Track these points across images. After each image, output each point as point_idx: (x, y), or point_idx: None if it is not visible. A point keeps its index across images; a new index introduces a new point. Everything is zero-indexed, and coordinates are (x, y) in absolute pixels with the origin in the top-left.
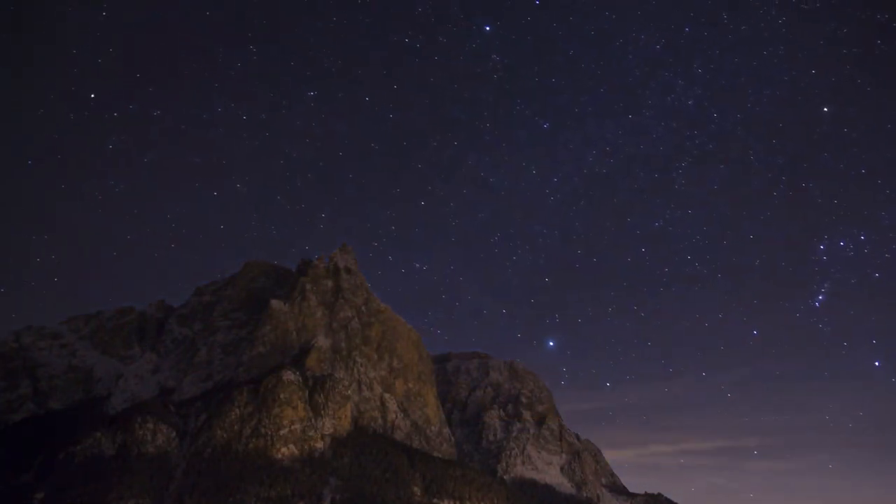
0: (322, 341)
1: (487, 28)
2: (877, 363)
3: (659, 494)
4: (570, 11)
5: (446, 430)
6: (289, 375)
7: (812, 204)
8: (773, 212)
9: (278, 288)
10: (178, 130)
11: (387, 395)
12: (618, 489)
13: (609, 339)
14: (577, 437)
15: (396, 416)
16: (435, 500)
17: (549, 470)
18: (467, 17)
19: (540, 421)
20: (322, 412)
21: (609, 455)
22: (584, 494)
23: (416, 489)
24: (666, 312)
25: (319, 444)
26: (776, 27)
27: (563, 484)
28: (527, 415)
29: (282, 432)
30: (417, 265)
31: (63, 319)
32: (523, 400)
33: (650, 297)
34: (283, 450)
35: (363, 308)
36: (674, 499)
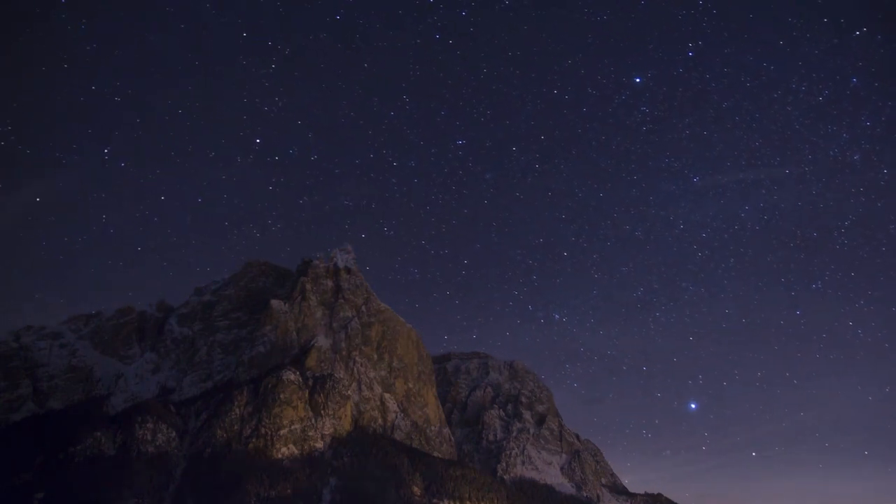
0: (322, 341)
1: (637, 80)
2: None
3: (659, 494)
4: (726, 63)
5: (446, 430)
6: (289, 375)
7: None
8: None
9: (278, 288)
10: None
11: (387, 395)
12: (618, 489)
13: (757, 405)
14: (577, 437)
15: (396, 416)
16: (435, 500)
17: (549, 470)
18: (617, 70)
19: (540, 421)
20: (322, 412)
21: None
22: (584, 494)
23: (416, 489)
24: (823, 383)
25: (319, 444)
26: None
27: (563, 484)
28: (527, 415)
29: (282, 432)
30: (557, 316)
31: (63, 319)
32: (523, 400)
33: (805, 364)
34: (283, 450)
35: (363, 308)
36: None
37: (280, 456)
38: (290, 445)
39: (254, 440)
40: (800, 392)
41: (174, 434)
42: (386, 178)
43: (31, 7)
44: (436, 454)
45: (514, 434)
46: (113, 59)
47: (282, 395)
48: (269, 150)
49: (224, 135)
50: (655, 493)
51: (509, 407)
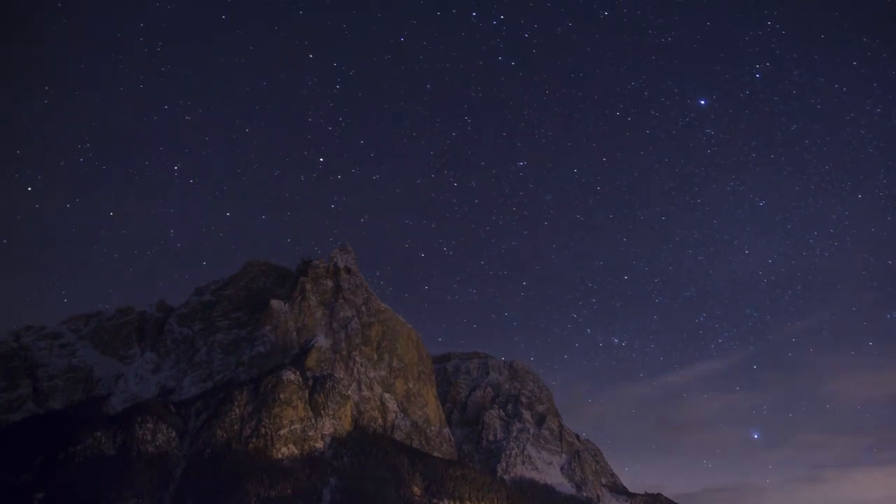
0: (322, 341)
1: (702, 102)
2: None
3: (658, 494)
4: (794, 85)
5: (446, 430)
6: (289, 375)
7: None
8: None
9: (278, 288)
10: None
11: (387, 395)
12: (618, 489)
13: None
14: (577, 437)
15: (396, 416)
16: (435, 500)
17: (549, 470)
18: (682, 91)
19: (540, 421)
20: (322, 412)
21: None
22: (584, 494)
23: (416, 489)
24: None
25: (319, 444)
26: None
27: (563, 484)
28: (527, 415)
29: (282, 432)
30: (616, 340)
31: (63, 319)
32: (523, 400)
33: None
34: (283, 450)
35: (363, 308)
36: None
37: (280, 456)
38: (290, 445)
39: (254, 440)
40: None
41: (174, 434)
42: (447, 198)
43: (113, 33)
44: (436, 454)
45: (514, 434)
46: (185, 81)
47: (282, 395)
48: (331, 169)
49: (289, 153)
50: (655, 493)
51: (509, 407)
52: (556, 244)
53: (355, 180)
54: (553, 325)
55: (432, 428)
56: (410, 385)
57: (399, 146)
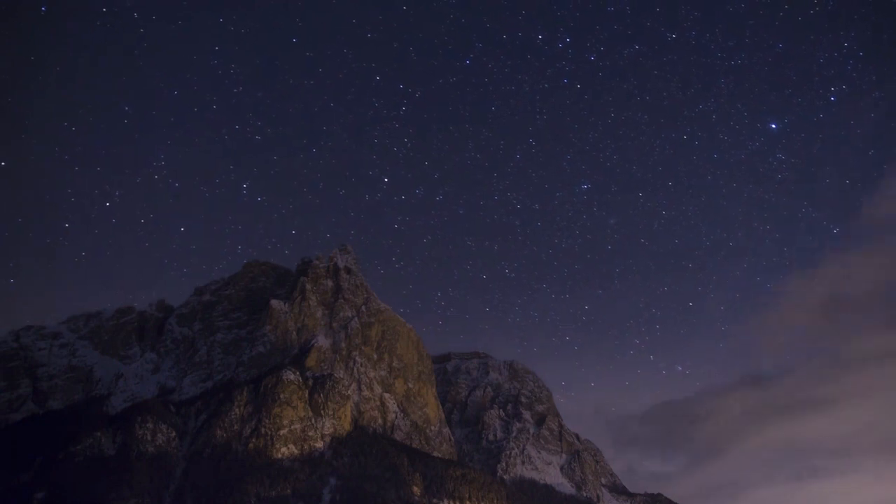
0: (322, 341)
1: (773, 126)
2: None
3: (659, 494)
4: (872, 108)
5: (446, 430)
6: (289, 375)
7: None
8: None
9: (278, 288)
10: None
11: (387, 395)
12: (618, 489)
13: None
14: (577, 437)
15: (396, 416)
16: (435, 500)
17: (549, 470)
18: (751, 115)
19: (540, 421)
20: (322, 412)
21: None
22: (584, 494)
23: (416, 489)
24: None
25: (319, 444)
26: None
27: (563, 484)
28: (527, 415)
29: (282, 432)
30: (679, 368)
31: (63, 319)
32: (523, 400)
33: None
34: (283, 450)
35: (363, 308)
36: None
37: (280, 456)
38: (290, 445)
39: (254, 440)
40: None
41: (174, 434)
42: (510, 220)
43: (190, 55)
44: (436, 454)
45: (514, 434)
46: (255, 101)
47: (282, 395)
48: (396, 190)
49: (354, 174)
50: (655, 493)
51: (509, 407)
52: (620, 269)
53: (419, 201)
54: (614, 351)
55: (432, 428)
56: (410, 385)
57: (463, 168)
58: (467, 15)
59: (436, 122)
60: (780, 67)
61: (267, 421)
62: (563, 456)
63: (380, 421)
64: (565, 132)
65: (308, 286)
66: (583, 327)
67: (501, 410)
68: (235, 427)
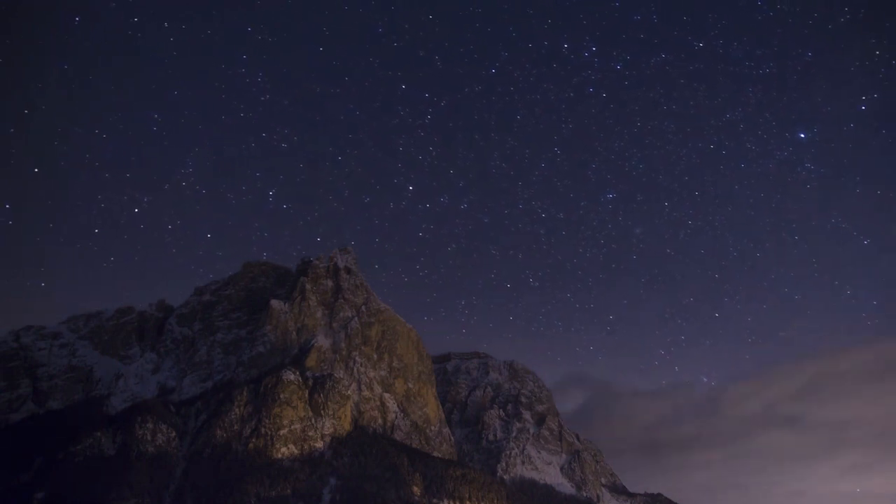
0: (322, 341)
1: (802, 135)
2: None
3: (659, 494)
4: None
5: (446, 430)
6: (289, 375)
7: None
8: None
9: (278, 288)
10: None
11: (387, 395)
12: (618, 489)
13: None
14: (577, 437)
15: (396, 416)
16: (435, 500)
17: (548, 470)
18: (779, 125)
19: (540, 421)
20: (322, 412)
21: None
22: (584, 494)
23: (416, 489)
24: None
25: (319, 444)
26: None
27: (563, 484)
28: (526, 415)
29: (282, 432)
30: (705, 379)
31: (63, 319)
32: (523, 400)
33: None
34: (283, 450)
35: (363, 308)
36: None
37: (280, 456)
38: (290, 445)
39: (254, 440)
40: None
41: (174, 434)
42: (534, 229)
43: (218, 64)
44: (436, 454)
45: (514, 434)
46: (282, 108)
47: (282, 395)
48: (421, 198)
49: (379, 181)
50: (655, 492)
51: (509, 407)
52: (645, 279)
53: (444, 209)
54: (639, 361)
55: (432, 428)
56: (410, 385)
57: (488, 176)
58: (493, 24)
59: (461, 131)
60: (810, 76)
61: (267, 421)
62: (563, 456)
63: (380, 421)
64: (591, 141)
65: (308, 286)
66: (607, 337)
67: (501, 410)
68: (235, 427)
